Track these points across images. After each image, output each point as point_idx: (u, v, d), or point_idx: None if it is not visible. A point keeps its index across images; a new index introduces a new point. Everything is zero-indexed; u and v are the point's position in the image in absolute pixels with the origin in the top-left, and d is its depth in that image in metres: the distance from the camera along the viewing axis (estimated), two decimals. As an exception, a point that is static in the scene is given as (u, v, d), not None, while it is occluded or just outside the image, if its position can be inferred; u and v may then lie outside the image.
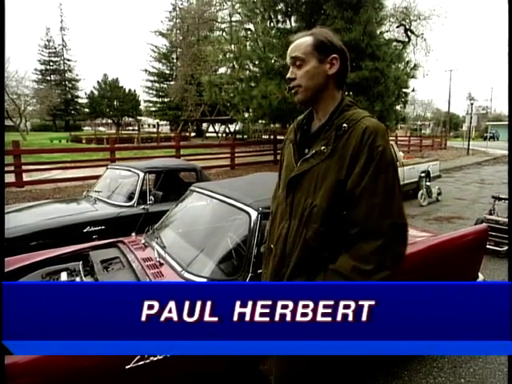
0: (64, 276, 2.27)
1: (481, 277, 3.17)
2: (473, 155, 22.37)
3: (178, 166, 5.16)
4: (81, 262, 2.44)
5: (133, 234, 2.90)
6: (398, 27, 17.77)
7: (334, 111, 1.33)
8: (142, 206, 4.12)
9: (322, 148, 1.29)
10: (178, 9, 37.00)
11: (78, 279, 2.23)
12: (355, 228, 1.24)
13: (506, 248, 4.84)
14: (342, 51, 1.34)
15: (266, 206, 1.96)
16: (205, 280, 1.99)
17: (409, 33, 17.59)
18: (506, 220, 5.07)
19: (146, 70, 44.10)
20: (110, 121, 56.65)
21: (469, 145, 23.68)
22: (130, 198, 4.26)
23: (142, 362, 1.55)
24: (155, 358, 1.59)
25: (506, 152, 24.85)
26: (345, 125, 1.28)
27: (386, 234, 1.22)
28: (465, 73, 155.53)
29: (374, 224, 1.22)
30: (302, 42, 1.33)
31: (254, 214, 2.08)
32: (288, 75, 1.36)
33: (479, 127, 48.81)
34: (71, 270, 2.37)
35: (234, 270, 2.05)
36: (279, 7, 12.67)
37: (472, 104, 26.13)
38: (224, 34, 17.25)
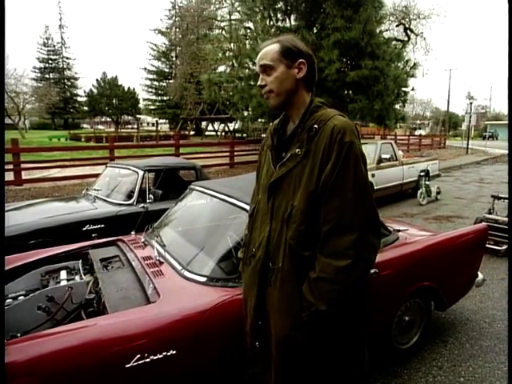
0: (63, 274, 2.27)
1: (480, 276, 3.17)
2: (472, 154, 22.39)
3: (177, 165, 5.15)
4: (80, 261, 2.43)
5: (132, 232, 2.90)
6: (397, 26, 17.79)
7: (304, 113, 1.38)
8: (142, 205, 4.12)
9: (297, 150, 1.34)
10: (177, 7, 36.94)
11: (77, 278, 2.23)
12: (328, 224, 1.26)
13: (505, 247, 4.85)
14: (309, 56, 1.39)
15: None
16: (204, 279, 1.99)
17: (408, 32, 17.60)
18: (506, 219, 5.07)
19: (145, 69, 44.10)
20: (108, 119, 56.55)
21: (468, 144, 23.69)
22: (129, 196, 4.26)
23: (141, 361, 1.55)
24: (155, 357, 1.58)
25: (505, 151, 24.88)
26: (315, 126, 1.32)
27: (361, 228, 1.24)
28: (464, 72, 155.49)
29: (349, 218, 1.24)
30: (269, 49, 1.37)
31: (254, 213, 2.08)
32: (259, 82, 1.41)
33: (478, 126, 48.89)
34: (70, 268, 2.37)
35: (234, 268, 2.04)
36: (279, 6, 12.63)
37: (471, 103, 26.09)
38: (223, 32, 17.21)
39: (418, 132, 47.78)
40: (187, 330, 1.69)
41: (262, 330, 1.44)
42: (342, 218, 1.24)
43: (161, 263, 2.20)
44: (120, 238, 2.77)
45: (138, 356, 1.55)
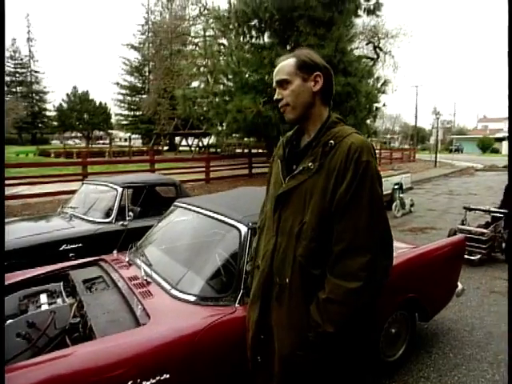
0: (44, 298, 2.15)
1: (460, 286, 3.26)
2: (440, 167, 23.22)
3: (157, 181, 5.05)
4: (61, 283, 2.32)
5: (114, 251, 2.80)
6: (367, 44, 18.53)
7: (320, 128, 1.36)
8: (121, 222, 4.00)
9: (310, 164, 1.30)
10: (150, 22, 36.91)
11: (59, 301, 2.13)
12: (341, 244, 1.23)
13: (478, 257, 5.03)
14: (325, 69, 1.37)
15: (255, 221, 1.94)
16: (194, 298, 1.95)
17: (377, 50, 18.33)
18: (478, 230, 5.27)
19: (117, 83, 43.55)
20: (79, 134, 55.28)
21: (436, 157, 24.60)
22: (107, 214, 4.13)
23: (134, 388, 1.48)
24: (148, 383, 1.51)
25: (471, 164, 26.00)
26: (331, 141, 1.30)
27: (374, 250, 1.22)
28: (430, 88, 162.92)
29: (362, 240, 1.21)
30: (285, 64, 1.36)
31: (243, 230, 2.06)
32: (275, 97, 1.39)
33: (444, 140, 51.04)
34: (51, 291, 2.25)
35: (225, 286, 2.01)
36: (253, 23, 12.89)
37: (438, 118, 27.23)
38: (197, 48, 17.34)
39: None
40: (181, 351, 1.63)
41: (264, 345, 1.41)
42: (355, 239, 1.21)
43: (148, 283, 2.13)
44: (102, 257, 2.67)
45: (131, 382, 1.48)
